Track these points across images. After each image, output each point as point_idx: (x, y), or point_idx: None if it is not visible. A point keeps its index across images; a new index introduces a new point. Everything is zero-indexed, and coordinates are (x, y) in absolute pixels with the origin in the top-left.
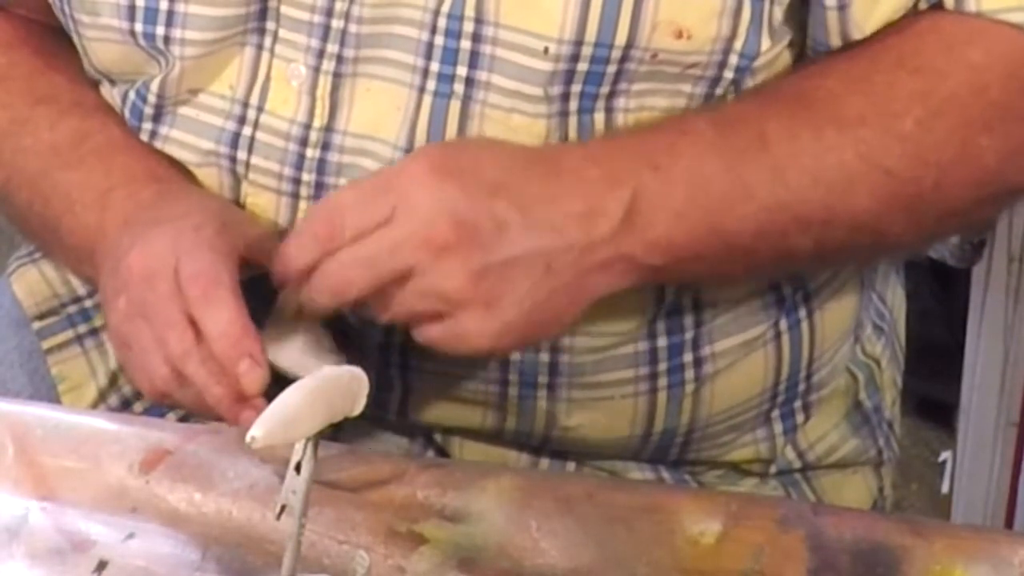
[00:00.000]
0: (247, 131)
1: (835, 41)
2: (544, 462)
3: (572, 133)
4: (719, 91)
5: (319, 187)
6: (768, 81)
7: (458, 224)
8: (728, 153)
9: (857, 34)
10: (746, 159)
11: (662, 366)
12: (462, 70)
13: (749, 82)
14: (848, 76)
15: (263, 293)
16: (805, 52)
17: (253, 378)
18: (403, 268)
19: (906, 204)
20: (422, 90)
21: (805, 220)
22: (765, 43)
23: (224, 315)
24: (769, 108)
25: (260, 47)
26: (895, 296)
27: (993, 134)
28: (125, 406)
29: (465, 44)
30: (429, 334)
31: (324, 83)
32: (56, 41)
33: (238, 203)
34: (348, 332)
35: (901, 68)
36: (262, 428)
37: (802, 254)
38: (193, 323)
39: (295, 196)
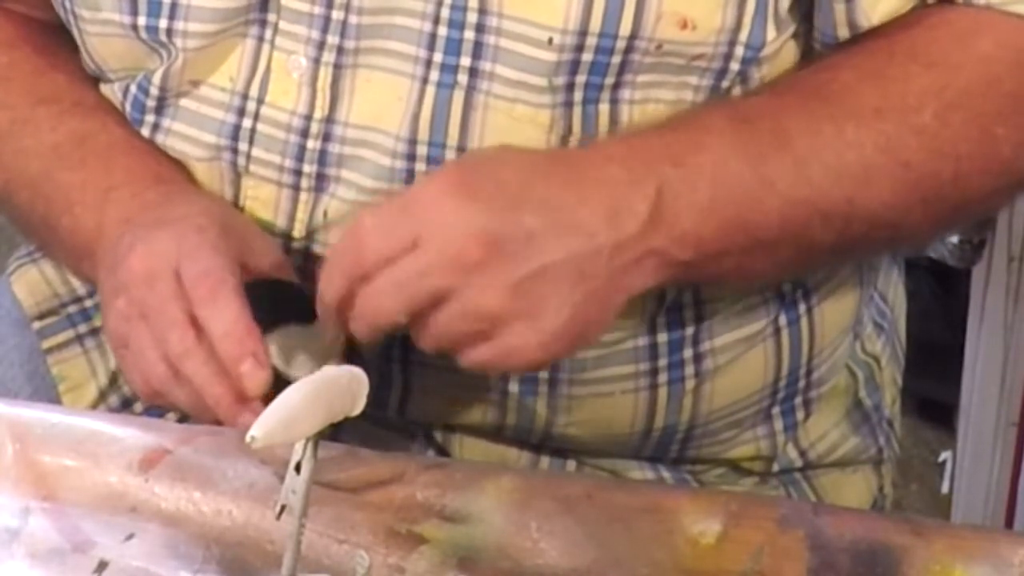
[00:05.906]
0: (247, 123)
1: (843, 32)
2: (544, 460)
3: (576, 124)
4: (725, 83)
5: (320, 178)
6: (776, 74)
7: (486, 240)
8: (750, 149)
9: (865, 23)
10: (768, 154)
11: (662, 362)
12: (466, 60)
13: (755, 74)
14: (862, 70)
15: (262, 298)
16: (811, 43)
17: (255, 379)
18: (435, 291)
19: (925, 197)
20: (425, 81)
21: (827, 214)
22: (771, 33)
23: (229, 314)
24: (786, 102)
25: (260, 39)
26: (896, 295)
27: (1008, 124)
28: (125, 406)
29: (469, 35)
30: (476, 356)
31: (325, 74)
32: (56, 39)
33: (239, 196)
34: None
35: (914, 62)
36: (262, 428)
37: (823, 248)
38: (194, 323)
39: (296, 188)
